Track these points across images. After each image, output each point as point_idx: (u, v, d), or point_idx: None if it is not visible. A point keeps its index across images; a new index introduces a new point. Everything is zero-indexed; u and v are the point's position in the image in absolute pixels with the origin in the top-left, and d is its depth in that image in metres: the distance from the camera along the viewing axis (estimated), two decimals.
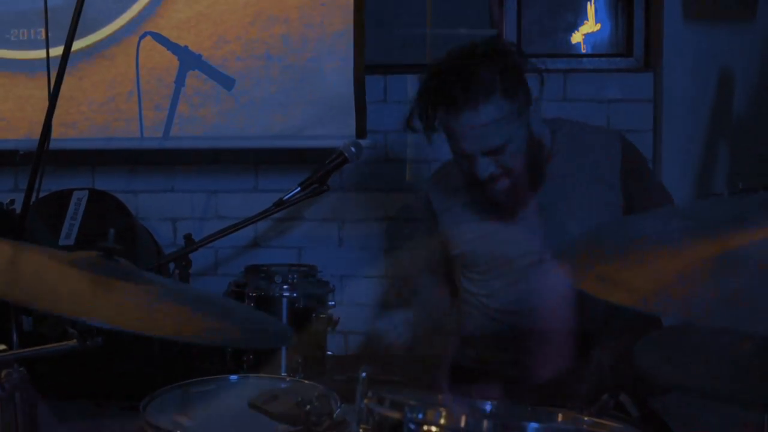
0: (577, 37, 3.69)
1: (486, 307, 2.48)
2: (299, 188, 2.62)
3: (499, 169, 2.28)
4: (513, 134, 2.26)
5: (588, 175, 2.36)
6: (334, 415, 1.62)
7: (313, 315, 2.69)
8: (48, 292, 1.39)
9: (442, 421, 1.31)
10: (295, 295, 2.72)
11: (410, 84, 3.52)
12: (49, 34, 2.78)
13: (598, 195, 2.34)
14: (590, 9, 3.67)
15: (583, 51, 3.69)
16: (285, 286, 2.76)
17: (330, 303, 2.80)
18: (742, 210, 1.22)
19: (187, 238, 2.78)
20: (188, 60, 3.35)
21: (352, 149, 2.70)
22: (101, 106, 3.39)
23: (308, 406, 1.58)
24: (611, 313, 2.12)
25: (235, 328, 1.57)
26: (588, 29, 3.68)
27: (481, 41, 2.36)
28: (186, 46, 3.35)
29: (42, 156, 2.38)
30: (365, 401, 1.37)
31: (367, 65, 3.35)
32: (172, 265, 2.81)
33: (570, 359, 2.13)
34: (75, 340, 1.52)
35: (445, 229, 2.54)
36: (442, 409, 1.32)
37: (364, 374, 1.38)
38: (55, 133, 2.73)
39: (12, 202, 3.04)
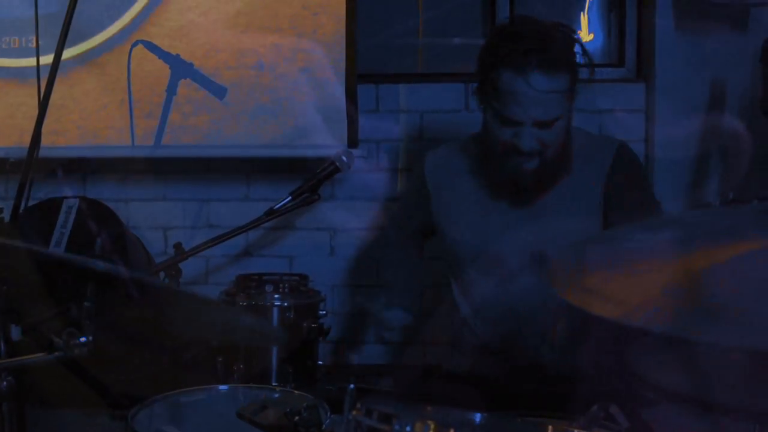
0: None
1: (477, 315, 2.48)
2: (290, 197, 2.62)
3: (539, 145, 2.27)
4: (565, 111, 2.28)
5: (576, 180, 2.37)
6: (323, 426, 1.62)
7: (304, 324, 2.68)
8: None
9: None
10: (286, 304, 2.71)
11: (402, 93, 3.52)
12: (41, 42, 2.78)
13: (583, 200, 2.34)
14: (583, 19, 3.68)
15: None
16: (276, 296, 2.75)
17: (321, 312, 2.79)
18: (733, 221, 1.21)
19: (177, 246, 2.77)
20: (180, 69, 3.34)
21: (344, 158, 2.70)
22: (92, 114, 3.39)
23: (297, 417, 1.58)
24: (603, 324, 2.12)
25: None
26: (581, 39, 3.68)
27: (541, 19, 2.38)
28: (178, 55, 3.34)
29: (31, 164, 2.37)
30: (353, 413, 1.37)
31: (359, 74, 3.35)
32: (162, 274, 2.80)
33: (556, 365, 2.13)
34: (62, 350, 1.51)
35: (438, 212, 2.53)
36: (430, 421, 1.31)
37: (352, 386, 1.37)
38: (46, 140, 2.72)
39: (1, 210, 3.03)
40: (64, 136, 3.37)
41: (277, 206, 2.60)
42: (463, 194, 2.46)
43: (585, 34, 3.68)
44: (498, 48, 2.29)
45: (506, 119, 2.27)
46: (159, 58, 3.35)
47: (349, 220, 3.56)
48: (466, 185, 2.45)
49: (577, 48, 2.33)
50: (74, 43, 3.30)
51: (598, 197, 2.36)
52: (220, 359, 2.63)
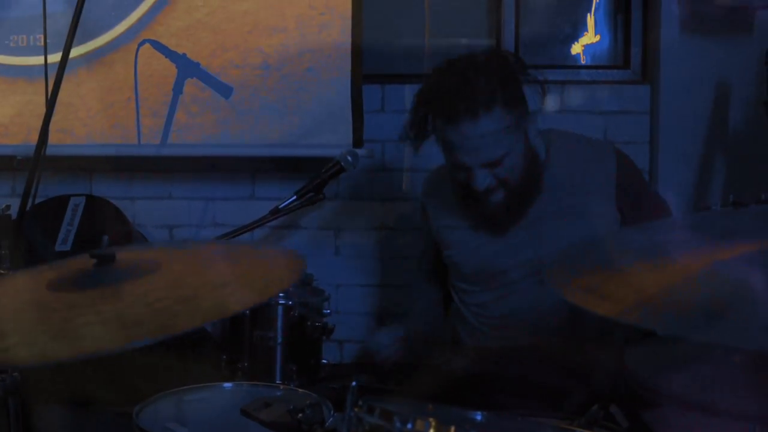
0: (576, 48, 3.70)
1: (478, 318, 2.49)
2: (295, 197, 2.63)
3: (495, 181, 2.25)
4: (512, 146, 2.22)
5: (582, 187, 2.36)
6: (326, 424, 1.63)
7: (309, 323, 2.69)
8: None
9: (432, 431, 1.31)
10: (290, 303, 2.72)
11: (408, 94, 3.52)
12: (48, 41, 2.79)
13: (592, 207, 2.33)
14: (590, 21, 3.68)
15: (583, 62, 3.70)
16: (280, 294, 2.76)
17: (325, 311, 2.80)
18: (733, 224, 1.22)
19: None
20: (186, 68, 3.35)
21: (349, 158, 2.71)
22: (99, 113, 3.40)
23: (300, 414, 1.59)
24: (605, 326, 2.13)
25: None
26: (587, 40, 3.69)
27: (480, 51, 2.34)
28: (184, 54, 3.36)
29: (39, 162, 2.38)
30: (355, 410, 1.38)
31: (364, 75, 3.36)
32: None
33: (562, 372, 2.14)
34: None
35: (439, 237, 2.54)
36: (431, 419, 1.32)
37: (354, 383, 1.38)
38: (53, 138, 2.74)
39: (8, 207, 3.05)
40: (71, 134, 3.39)
41: (282, 205, 2.61)
42: (457, 217, 2.46)
43: (591, 36, 3.68)
44: (427, 100, 2.27)
45: (454, 164, 2.26)
46: (166, 57, 3.36)
47: (353, 219, 3.58)
48: (457, 207, 2.45)
49: (519, 74, 2.25)
50: (82, 42, 3.31)
51: (611, 202, 2.34)
52: (225, 357, 2.64)
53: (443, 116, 2.21)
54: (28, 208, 2.43)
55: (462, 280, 2.51)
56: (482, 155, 2.20)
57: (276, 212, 2.60)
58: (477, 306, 2.47)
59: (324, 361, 2.77)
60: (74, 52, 2.96)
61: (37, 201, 2.72)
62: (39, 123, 2.41)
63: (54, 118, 2.42)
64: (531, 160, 2.31)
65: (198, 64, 3.36)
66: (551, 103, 3.35)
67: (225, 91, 3.35)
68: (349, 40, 3.30)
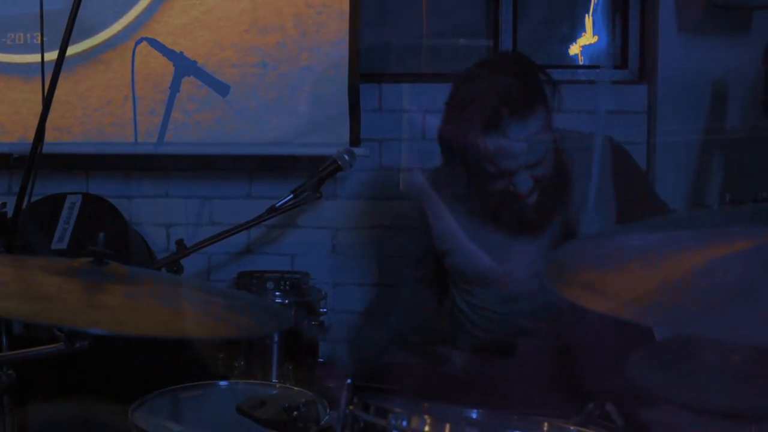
0: (574, 49, 3.70)
1: (477, 319, 2.48)
2: (292, 195, 2.62)
3: (534, 182, 2.24)
4: (549, 144, 2.24)
5: (581, 182, 2.36)
6: (322, 422, 1.63)
7: (305, 322, 2.69)
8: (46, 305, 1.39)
9: (427, 428, 1.31)
10: (287, 302, 2.73)
11: (405, 93, 3.53)
12: (45, 39, 2.78)
13: (593, 200, 2.33)
14: (588, 21, 3.68)
15: (581, 62, 3.70)
16: (277, 293, 2.76)
17: (322, 310, 2.80)
18: (729, 221, 1.22)
19: (179, 243, 2.78)
20: (184, 66, 3.35)
21: (346, 157, 2.71)
22: (96, 111, 3.40)
23: (295, 412, 1.59)
24: (603, 328, 2.12)
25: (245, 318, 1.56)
26: (585, 41, 3.69)
27: (498, 55, 2.33)
28: (181, 52, 3.36)
29: (35, 160, 2.38)
30: (350, 408, 1.38)
31: (362, 74, 3.36)
32: (164, 271, 2.81)
33: (560, 376, 2.14)
34: (62, 343, 1.52)
35: (438, 237, 2.53)
36: (427, 416, 1.32)
37: (350, 381, 1.38)
38: (50, 137, 2.73)
39: (4, 205, 3.04)
40: (68, 132, 3.39)
41: (279, 204, 2.60)
42: (460, 217, 2.44)
43: (589, 36, 3.68)
44: (462, 106, 2.24)
45: (497, 174, 2.24)
46: (163, 55, 3.36)
47: (350, 218, 3.58)
48: (462, 208, 2.43)
49: (540, 73, 2.28)
50: (79, 40, 3.31)
51: (610, 197, 2.35)
52: (221, 355, 2.64)
53: (488, 123, 2.17)
54: (24, 206, 2.42)
55: (461, 281, 2.50)
56: (529, 157, 2.19)
57: (273, 211, 2.59)
58: (482, 309, 2.46)
59: (320, 359, 2.78)
60: (71, 50, 2.96)
61: (34, 199, 2.71)
62: (35, 121, 2.39)
63: (51, 116, 2.41)
64: (557, 154, 2.31)
65: (195, 62, 3.35)
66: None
67: (222, 89, 3.35)
68: (347, 38, 3.30)
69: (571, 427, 1.47)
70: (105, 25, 3.38)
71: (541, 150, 2.21)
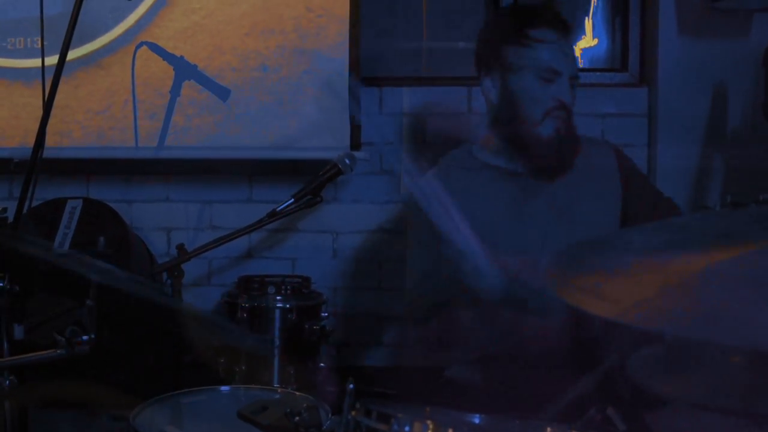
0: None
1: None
2: (293, 199, 2.62)
3: (572, 101, 2.34)
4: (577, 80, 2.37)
5: (592, 184, 2.37)
6: (324, 427, 1.62)
7: (306, 326, 2.69)
8: None
9: None
10: (288, 306, 2.72)
11: (405, 96, 3.53)
12: (46, 43, 2.78)
13: (601, 203, 2.34)
14: (588, 24, 3.68)
15: (581, 65, 3.70)
16: (278, 297, 2.76)
17: (323, 314, 2.80)
18: (730, 224, 1.22)
19: (180, 248, 2.78)
20: (184, 70, 3.35)
21: (346, 161, 2.71)
22: (97, 115, 3.40)
23: (297, 417, 1.58)
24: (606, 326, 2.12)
25: None
26: (585, 44, 3.69)
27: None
28: (182, 57, 3.36)
29: (35, 164, 2.37)
30: (352, 413, 1.37)
31: (362, 77, 3.36)
32: (165, 275, 2.81)
33: (562, 370, 2.13)
34: (63, 349, 1.52)
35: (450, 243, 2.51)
36: (429, 421, 1.32)
37: (351, 386, 1.38)
38: (50, 141, 2.73)
39: (4, 210, 3.04)
40: (68, 136, 3.39)
41: (280, 208, 2.60)
42: (472, 193, 2.43)
43: (589, 39, 3.69)
44: (510, 11, 2.53)
45: (549, 72, 2.31)
46: (163, 59, 3.36)
47: (351, 222, 3.57)
48: (477, 181, 2.42)
49: None
50: (79, 44, 3.32)
51: (617, 197, 2.36)
52: (222, 360, 2.64)
53: (540, 20, 2.33)
54: (24, 211, 2.42)
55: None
56: (572, 65, 2.32)
57: (273, 215, 2.59)
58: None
59: (322, 364, 2.77)
60: (71, 55, 2.96)
61: (34, 204, 2.70)
62: (36, 125, 2.39)
63: (51, 121, 2.41)
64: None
65: (195, 66, 3.35)
66: None
67: (222, 93, 3.35)
68: (347, 42, 3.30)
69: None
70: (105, 30, 3.38)
71: (576, 65, 2.35)
